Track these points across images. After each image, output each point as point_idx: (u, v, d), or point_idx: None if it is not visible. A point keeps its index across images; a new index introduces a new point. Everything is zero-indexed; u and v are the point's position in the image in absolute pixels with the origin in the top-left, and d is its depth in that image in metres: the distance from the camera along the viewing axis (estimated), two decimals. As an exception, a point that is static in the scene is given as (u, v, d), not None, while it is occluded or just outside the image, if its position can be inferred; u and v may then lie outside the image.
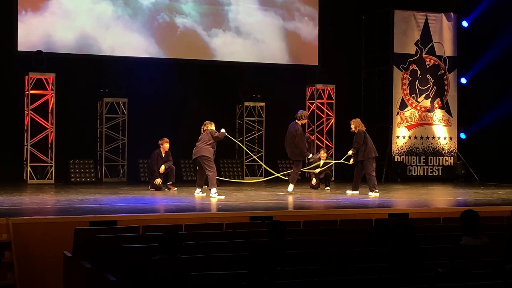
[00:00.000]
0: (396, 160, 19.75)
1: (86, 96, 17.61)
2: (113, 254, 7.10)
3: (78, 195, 13.68)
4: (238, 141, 18.77)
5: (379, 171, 18.72)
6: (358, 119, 14.85)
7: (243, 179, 18.28)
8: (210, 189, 13.68)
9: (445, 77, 20.32)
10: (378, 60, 20.24)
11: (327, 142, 19.19)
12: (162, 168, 15.16)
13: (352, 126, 14.62)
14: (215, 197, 13.37)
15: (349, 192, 14.68)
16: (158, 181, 15.11)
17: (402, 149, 19.85)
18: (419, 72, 20.05)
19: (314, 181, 16.15)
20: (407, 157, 19.88)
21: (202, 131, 14.07)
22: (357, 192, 14.62)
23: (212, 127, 14.04)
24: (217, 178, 14.04)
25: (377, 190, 14.36)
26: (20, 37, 16.93)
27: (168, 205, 12.56)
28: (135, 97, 17.84)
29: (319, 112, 19.35)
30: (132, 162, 17.75)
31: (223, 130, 14.04)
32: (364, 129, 14.61)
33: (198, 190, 14.02)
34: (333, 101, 19.31)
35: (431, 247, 7.14)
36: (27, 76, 16.75)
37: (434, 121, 20.19)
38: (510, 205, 12.68)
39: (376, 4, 20.00)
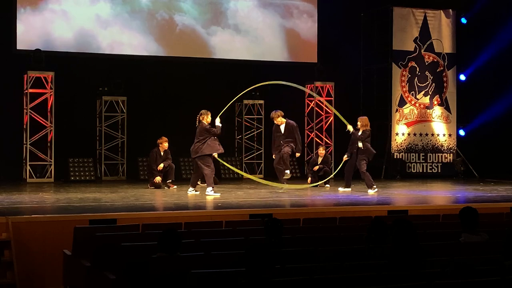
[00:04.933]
0: (395, 157, 19.75)
1: (85, 94, 17.60)
2: (113, 253, 7.10)
3: (78, 193, 13.66)
4: (237, 139, 18.77)
5: (379, 168, 18.74)
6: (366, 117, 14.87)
7: (242, 177, 18.31)
8: (206, 188, 13.65)
9: (444, 74, 20.32)
10: (377, 58, 20.21)
11: (326, 140, 19.19)
12: (161, 165, 15.12)
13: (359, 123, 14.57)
14: (210, 195, 13.33)
15: (341, 189, 14.69)
16: (158, 179, 15.09)
17: (401, 146, 19.85)
18: (418, 69, 20.05)
19: (309, 180, 16.12)
20: (406, 154, 19.87)
21: (197, 122, 13.88)
22: (349, 189, 14.64)
23: (208, 118, 13.85)
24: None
25: (375, 187, 14.36)
26: (19, 36, 16.92)
27: (168, 203, 12.52)
28: (134, 95, 17.84)
29: (318, 110, 19.35)
30: (132, 160, 17.74)
31: (218, 124, 13.80)
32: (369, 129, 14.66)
33: (191, 189, 13.90)
34: (332, 98, 19.30)
35: (430, 244, 7.13)
36: (26, 75, 16.73)
37: (433, 118, 20.19)
38: (510, 201, 12.68)
39: (375, 1, 20.00)
